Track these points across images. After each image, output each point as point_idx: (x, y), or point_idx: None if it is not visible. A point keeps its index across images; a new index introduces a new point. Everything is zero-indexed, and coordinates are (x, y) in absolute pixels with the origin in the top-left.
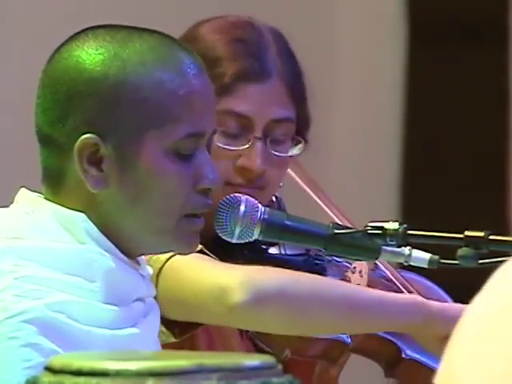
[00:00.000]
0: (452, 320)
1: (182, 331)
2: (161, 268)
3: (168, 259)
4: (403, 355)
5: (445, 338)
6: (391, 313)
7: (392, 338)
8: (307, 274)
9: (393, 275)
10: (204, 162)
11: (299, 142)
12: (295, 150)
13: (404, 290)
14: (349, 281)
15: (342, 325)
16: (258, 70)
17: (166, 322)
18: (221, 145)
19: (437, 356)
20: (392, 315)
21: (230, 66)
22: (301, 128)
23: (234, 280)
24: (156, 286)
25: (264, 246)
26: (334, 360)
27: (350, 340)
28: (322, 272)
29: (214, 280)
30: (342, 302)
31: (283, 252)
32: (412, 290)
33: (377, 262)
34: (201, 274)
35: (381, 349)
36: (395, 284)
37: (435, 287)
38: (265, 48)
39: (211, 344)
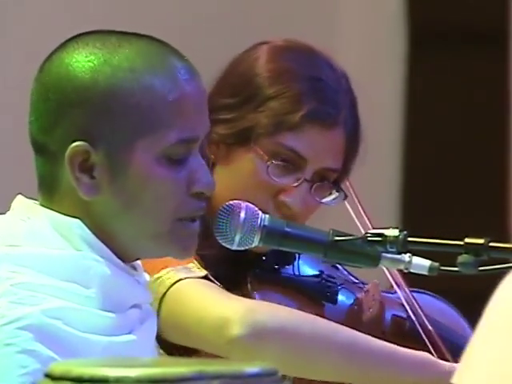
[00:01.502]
0: None
1: (180, 355)
2: (165, 292)
3: (173, 284)
4: None
5: None
6: (400, 368)
7: None
8: (311, 316)
9: (407, 301)
10: (197, 166)
11: (336, 191)
12: (331, 198)
13: (413, 316)
14: (361, 301)
15: (342, 372)
16: (329, 117)
17: (165, 345)
18: (274, 178)
19: None
20: (401, 370)
21: (304, 105)
22: (340, 178)
23: (235, 313)
24: (159, 308)
25: (276, 266)
26: None
27: None
28: (333, 295)
29: (215, 311)
30: (344, 348)
31: (296, 272)
32: (423, 318)
33: (393, 284)
34: (204, 303)
35: None
36: (406, 310)
37: (449, 309)
38: (339, 94)
39: None
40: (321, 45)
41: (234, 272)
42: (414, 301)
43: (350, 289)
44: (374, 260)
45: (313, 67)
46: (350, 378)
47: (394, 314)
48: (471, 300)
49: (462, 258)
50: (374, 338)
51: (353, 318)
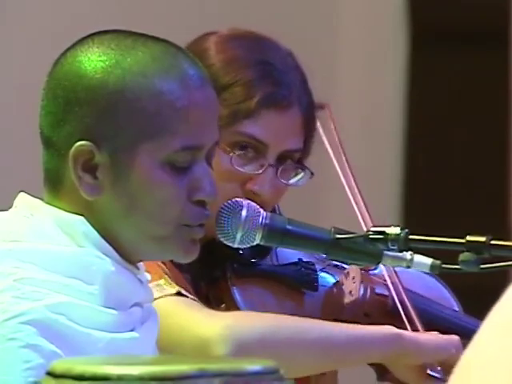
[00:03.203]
0: (424, 350)
1: None
2: None
3: (159, 298)
4: None
5: (418, 368)
6: (366, 348)
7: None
8: (285, 318)
9: (390, 278)
10: (202, 174)
11: (302, 170)
12: (297, 179)
13: (393, 291)
14: (341, 285)
15: (320, 365)
16: (283, 99)
17: None
18: (238, 168)
19: None
20: (367, 350)
21: (258, 91)
22: (303, 157)
23: (215, 332)
24: None
25: (254, 260)
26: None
27: None
28: (313, 282)
29: (195, 331)
30: (319, 344)
31: (275, 262)
32: (404, 297)
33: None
34: (182, 323)
35: None
36: (389, 289)
37: (436, 283)
38: (289, 74)
39: None
40: (322, 45)
41: (211, 268)
42: (394, 274)
43: (331, 272)
44: (376, 258)
45: (260, 52)
46: (324, 369)
47: (376, 293)
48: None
49: (463, 256)
50: (340, 325)
51: (334, 303)
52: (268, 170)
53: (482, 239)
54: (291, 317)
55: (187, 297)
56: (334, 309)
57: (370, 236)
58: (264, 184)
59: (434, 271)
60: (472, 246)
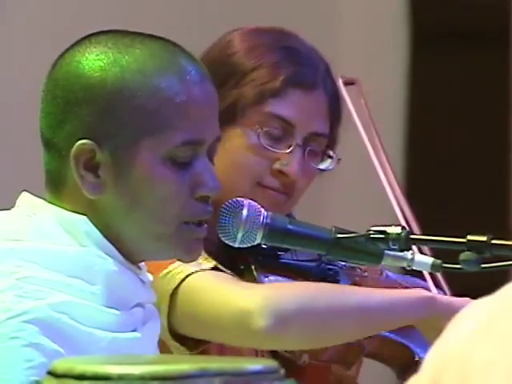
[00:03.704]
0: (457, 312)
1: (196, 344)
2: (177, 286)
3: (184, 279)
4: (417, 358)
5: None
6: (402, 311)
7: (405, 342)
8: (322, 286)
9: (398, 282)
10: (203, 169)
11: (329, 157)
12: (325, 164)
13: None
14: (359, 286)
15: (357, 331)
16: (308, 79)
17: (178, 337)
18: (265, 145)
19: None
20: (403, 313)
21: (283, 71)
22: (330, 145)
23: (255, 304)
24: (170, 303)
25: (278, 252)
26: (350, 364)
27: (361, 344)
28: (334, 277)
29: (234, 304)
30: (356, 310)
31: (295, 257)
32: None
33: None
34: (221, 296)
35: (395, 354)
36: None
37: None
38: (315, 60)
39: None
40: (323, 45)
41: (236, 261)
42: (404, 281)
43: (349, 273)
44: (377, 257)
45: (285, 39)
46: (361, 336)
47: (395, 281)
48: None
49: (464, 256)
50: (372, 290)
51: None
52: (296, 150)
53: (483, 239)
54: (329, 284)
55: (223, 271)
56: None
57: (371, 235)
58: (292, 164)
59: (434, 271)
60: (473, 246)
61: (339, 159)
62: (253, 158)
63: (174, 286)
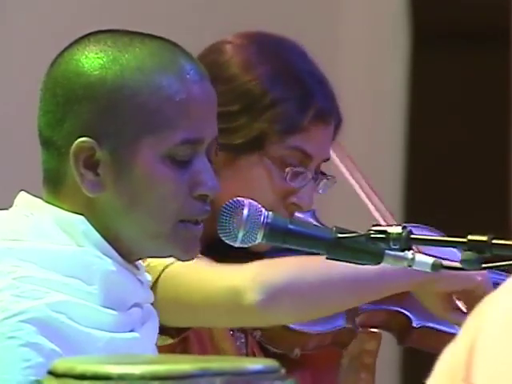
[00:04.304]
0: (453, 276)
1: (178, 331)
2: (157, 278)
3: (164, 269)
4: (414, 324)
5: (446, 297)
6: (393, 277)
7: (399, 309)
8: (312, 258)
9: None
10: (202, 168)
11: (326, 179)
12: (323, 187)
13: None
14: None
15: (350, 300)
16: (331, 113)
17: (161, 328)
18: (291, 183)
19: (438, 314)
20: (393, 279)
21: (311, 106)
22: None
23: (245, 280)
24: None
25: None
26: (344, 345)
27: (352, 325)
28: None
29: (222, 283)
30: (348, 279)
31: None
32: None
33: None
34: (208, 276)
35: (389, 320)
36: None
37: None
38: (330, 85)
39: (203, 346)
40: (324, 44)
41: (218, 259)
42: None
43: None
44: (377, 257)
45: (303, 62)
46: (354, 305)
47: None
48: None
49: (465, 255)
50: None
51: None
52: (310, 184)
53: (484, 238)
54: (317, 257)
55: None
56: None
57: (372, 235)
58: (306, 197)
59: (435, 270)
60: (474, 246)
61: (335, 180)
62: (271, 190)
63: (155, 277)
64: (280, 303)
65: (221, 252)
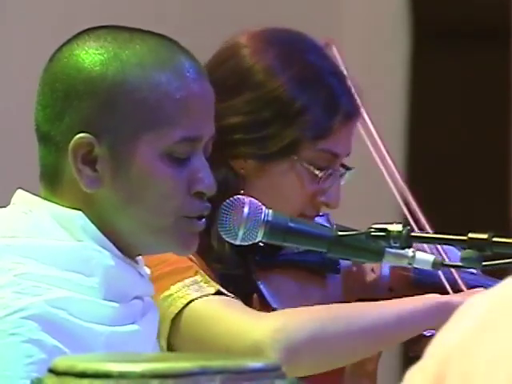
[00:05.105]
0: None
1: None
2: (178, 312)
3: (186, 304)
4: (425, 333)
5: None
6: (418, 322)
7: None
8: (330, 309)
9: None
10: (200, 166)
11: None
12: (345, 179)
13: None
14: (361, 264)
15: (370, 349)
16: (356, 113)
17: None
18: (323, 186)
19: None
20: (419, 324)
21: (338, 110)
22: None
23: (265, 337)
24: (171, 327)
25: (276, 249)
26: None
27: None
28: (335, 264)
29: (245, 337)
30: (371, 330)
31: (295, 249)
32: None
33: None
34: (230, 327)
35: None
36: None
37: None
38: (347, 80)
39: None
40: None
41: (235, 263)
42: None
43: None
44: (378, 255)
45: (319, 59)
46: (374, 352)
47: (397, 267)
48: None
49: (465, 253)
50: (382, 305)
51: (357, 283)
52: (338, 181)
53: (484, 236)
54: (338, 307)
55: (227, 295)
56: (358, 288)
57: (372, 233)
58: (334, 194)
59: (435, 268)
60: (474, 244)
61: (350, 169)
62: (302, 193)
63: (176, 311)
64: (300, 361)
65: None
